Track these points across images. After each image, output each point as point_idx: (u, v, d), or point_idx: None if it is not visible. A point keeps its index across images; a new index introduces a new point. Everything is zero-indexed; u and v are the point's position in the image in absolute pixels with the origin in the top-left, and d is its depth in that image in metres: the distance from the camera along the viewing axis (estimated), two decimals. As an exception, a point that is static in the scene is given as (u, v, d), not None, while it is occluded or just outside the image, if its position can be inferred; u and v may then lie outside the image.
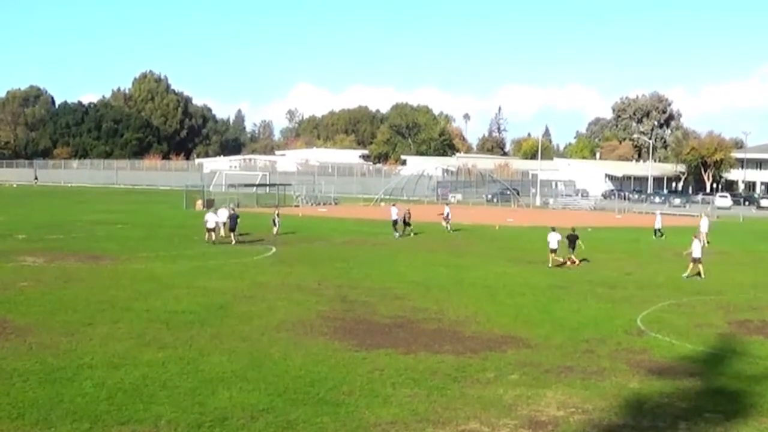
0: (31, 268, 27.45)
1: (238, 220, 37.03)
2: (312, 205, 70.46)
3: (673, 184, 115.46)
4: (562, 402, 13.30)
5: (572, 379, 14.66)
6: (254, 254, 32.44)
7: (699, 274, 28.24)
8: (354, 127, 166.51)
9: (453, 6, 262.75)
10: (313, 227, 43.82)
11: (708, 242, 39.30)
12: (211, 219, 36.67)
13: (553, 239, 30.66)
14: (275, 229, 40.63)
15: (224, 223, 37.25)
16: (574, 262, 31.04)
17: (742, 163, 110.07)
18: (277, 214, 41.58)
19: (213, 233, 36.19)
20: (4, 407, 12.40)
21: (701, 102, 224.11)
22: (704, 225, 41.07)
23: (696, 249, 28.71)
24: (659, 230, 44.48)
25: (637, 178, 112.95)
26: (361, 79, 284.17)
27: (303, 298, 22.49)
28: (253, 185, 75.11)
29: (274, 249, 34.26)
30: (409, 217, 42.85)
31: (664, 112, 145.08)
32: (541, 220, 51.35)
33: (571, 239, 31.53)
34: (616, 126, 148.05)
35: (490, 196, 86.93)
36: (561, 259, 30.74)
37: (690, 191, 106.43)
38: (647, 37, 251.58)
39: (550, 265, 30.26)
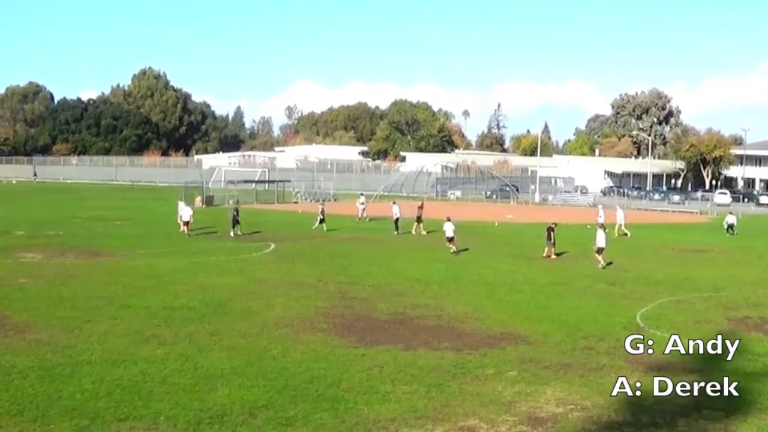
0: (29, 264, 27.44)
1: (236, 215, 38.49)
2: (311, 201, 70.34)
3: (673, 181, 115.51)
4: (561, 399, 13.30)
5: (571, 376, 14.67)
6: (253, 251, 32.43)
7: (601, 262, 29.28)
8: (353, 123, 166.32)
9: (452, 2, 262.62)
10: (312, 223, 43.73)
11: (626, 234, 41.64)
12: (186, 212, 37.49)
13: (449, 228, 32.90)
14: (318, 224, 41.85)
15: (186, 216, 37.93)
16: (549, 256, 31.71)
17: (742, 160, 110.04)
18: (322, 210, 43.00)
19: (188, 226, 37.10)
20: (3, 403, 12.40)
21: (701, 98, 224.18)
22: (620, 217, 43.13)
23: (600, 239, 29.60)
24: (601, 225, 44.09)
25: (637, 175, 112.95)
26: (360, 76, 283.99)
27: (302, 294, 22.49)
28: (252, 182, 75.02)
29: (273, 245, 34.24)
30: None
31: (663, 108, 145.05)
32: (541, 217, 51.31)
33: (549, 231, 32.25)
34: (616, 123, 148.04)
35: (489, 193, 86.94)
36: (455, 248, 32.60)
37: (689, 188, 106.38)
38: (647, 34, 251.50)
39: (453, 250, 32.35)
